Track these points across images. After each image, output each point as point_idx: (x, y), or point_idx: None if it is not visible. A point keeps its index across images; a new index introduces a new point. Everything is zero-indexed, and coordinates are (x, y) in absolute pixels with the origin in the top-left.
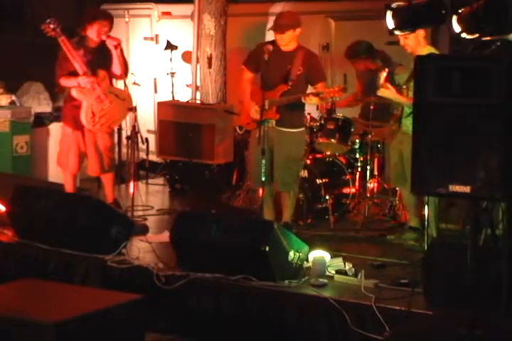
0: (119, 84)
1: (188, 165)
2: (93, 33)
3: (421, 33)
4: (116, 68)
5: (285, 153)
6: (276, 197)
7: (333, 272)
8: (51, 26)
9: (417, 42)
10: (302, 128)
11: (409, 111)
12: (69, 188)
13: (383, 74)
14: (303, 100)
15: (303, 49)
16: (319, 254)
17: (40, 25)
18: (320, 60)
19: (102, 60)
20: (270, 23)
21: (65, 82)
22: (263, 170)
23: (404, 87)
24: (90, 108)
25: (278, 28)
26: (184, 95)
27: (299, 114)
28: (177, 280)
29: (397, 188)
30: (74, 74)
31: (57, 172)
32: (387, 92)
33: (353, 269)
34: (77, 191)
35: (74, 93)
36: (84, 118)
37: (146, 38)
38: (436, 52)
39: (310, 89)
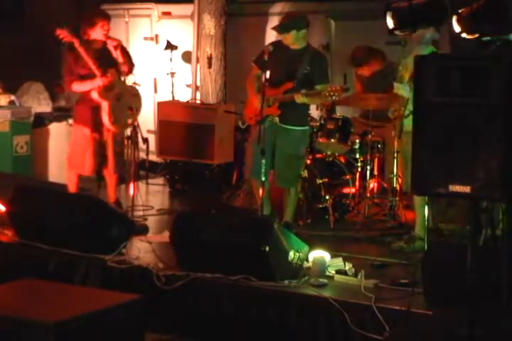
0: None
1: (188, 165)
2: (97, 34)
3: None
4: (122, 67)
5: (287, 150)
6: (272, 194)
7: (333, 272)
8: (67, 31)
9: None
10: (306, 127)
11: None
12: (72, 188)
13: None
14: (295, 99)
15: (312, 49)
16: (319, 254)
17: (55, 30)
18: (328, 62)
19: (108, 60)
20: (270, 23)
21: (78, 86)
22: (263, 170)
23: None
24: (110, 108)
25: (279, 28)
26: (184, 95)
27: (302, 112)
28: (177, 280)
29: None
30: (85, 77)
31: (58, 173)
32: (402, 88)
33: (353, 269)
34: (79, 191)
35: (95, 96)
36: (108, 120)
37: (146, 38)
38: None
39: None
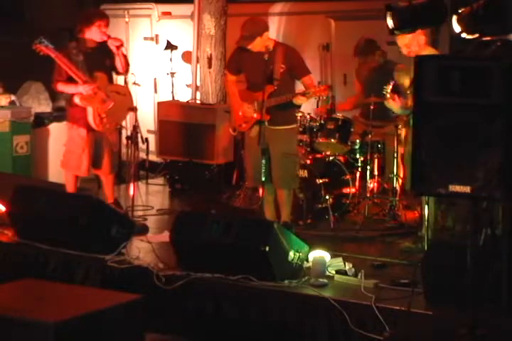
0: (119, 81)
1: (188, 165)
2: (93, 34)
3: (421, 37)
4: (118, 66)
5: (280, 149)
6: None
7: (333, 272)
8: (43, 45)
9: (415, 44)
10: (294, 125)
11: None
12: (70, 189)
13: (389, 87)
14: (294, 101)
15: (281, 46)
16: (319, 254)
17: (32, 46)
18: (300, 54)
19: (102, 59)
20: (270, 23)
21: (63, 87)
22: (263, 170)
23: (409, 92)
24: (96, 112)
25: (244, 41)
26: (184, 95)
27: (290, 112)
28: (177, 280)
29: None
30: (72, 80)
31: (57, 173)
32: (393, 104)
33: (353, 269)
34: (77, 191)
35: (77, 101)
36: (93, 122)
37: (146, 38)
38: (436, 53)
39: (298, 85)
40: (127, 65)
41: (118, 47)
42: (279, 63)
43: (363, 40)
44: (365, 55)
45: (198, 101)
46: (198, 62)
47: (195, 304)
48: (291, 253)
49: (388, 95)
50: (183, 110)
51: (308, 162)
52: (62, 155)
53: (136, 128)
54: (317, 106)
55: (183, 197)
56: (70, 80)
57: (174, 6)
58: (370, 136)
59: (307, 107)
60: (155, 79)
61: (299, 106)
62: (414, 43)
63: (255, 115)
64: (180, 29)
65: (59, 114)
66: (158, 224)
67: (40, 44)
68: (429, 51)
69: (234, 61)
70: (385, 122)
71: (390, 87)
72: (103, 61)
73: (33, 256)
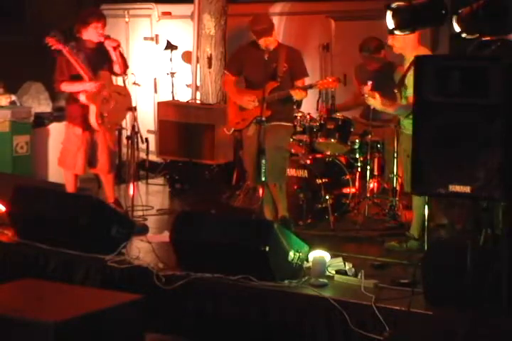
0: (118, 82)
1: (188, 165)
2: (90, 34)
3: (409, 36)
4: (116, 67)
5: (272, 143)
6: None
7: (333, 272)
8: (55, 39)
9: (404, 45)
10: (291, 124)
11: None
12: (70, 188)
13: (368, 86)
14: (293, 95)
15: (285, 46)
16: (319, 254)
17: (44, 39)
18: (302, 56)
19: (101, 60)
20: None
21: (67, 87)
22: (263, 170)
23: (396, 91)
24: (98, 110)
25: (267, 33)
26: (184, 95)
27: (289, 109)
28: (177, 280)
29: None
30: (76, 78)
31: (57, 172)
32: (373, 102)
33: (353, 269)
34: (77, 191)
35: (83, 99)
36: (95, 122)
37: (146, 38)
38: (429, 53)
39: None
40: (125, 65)
41: (115, 48)
42: (282, 62)
43: (371, 37)
44: (372, 52)
45: (198, 101)
46: (198, 62)
47: (195, 304)
48: (291, 253)
49: (367, 95)
50: (183, 110)
51: (308, 162)
52: (60, 153)
53: (135, 128)
54: (317, 107)
55: (183, 197)
56: (73, 79)
57: (174, 6)
58: (370, 136)
59: (307, 107)
60: (155, 79)
61: (299, 105)
62: (398, 37)
63: (255, 108)
64: (180, 29)
65: (59, 114)
66: (158, 224)
67: (53, 37)
68: (423, 51)
69: (236, 60)
70: (384, 122)
71: (369, 86)
72: (102, 61)
73: (33, 256)
